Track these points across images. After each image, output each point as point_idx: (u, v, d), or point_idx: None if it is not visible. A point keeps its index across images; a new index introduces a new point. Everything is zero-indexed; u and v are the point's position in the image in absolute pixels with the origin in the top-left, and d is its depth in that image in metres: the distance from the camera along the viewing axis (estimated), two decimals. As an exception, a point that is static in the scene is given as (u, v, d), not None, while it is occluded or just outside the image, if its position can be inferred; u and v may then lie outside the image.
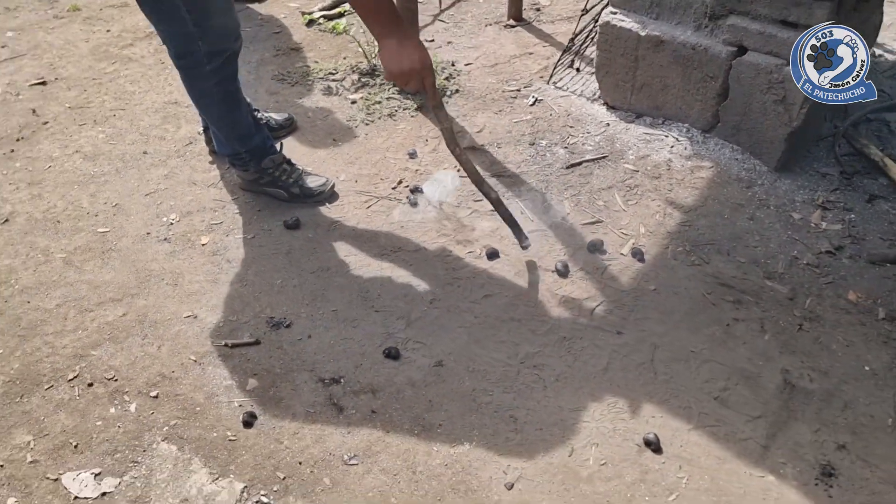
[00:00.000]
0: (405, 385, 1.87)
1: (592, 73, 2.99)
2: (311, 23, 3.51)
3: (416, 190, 2.49)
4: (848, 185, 2.45)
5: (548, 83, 3.01)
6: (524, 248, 2.16)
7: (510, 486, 1.66)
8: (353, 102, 2.96)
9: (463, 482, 1.67)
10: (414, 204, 2.44)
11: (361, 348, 1.96)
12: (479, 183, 2.13)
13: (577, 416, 1.79)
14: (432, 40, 3.37)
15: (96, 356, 1.95)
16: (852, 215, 2.33)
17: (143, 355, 1.95)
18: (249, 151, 2.34)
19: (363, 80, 3.08)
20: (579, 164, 2.58)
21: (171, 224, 2.37)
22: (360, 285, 2.14)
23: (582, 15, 3.00)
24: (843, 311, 2.04)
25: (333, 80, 3.10)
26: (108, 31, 3.49)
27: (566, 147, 2.66)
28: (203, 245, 2.29)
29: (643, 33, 2.58)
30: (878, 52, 3.02)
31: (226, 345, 1.97)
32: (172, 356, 1.95)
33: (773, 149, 2.45)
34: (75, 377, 1.90)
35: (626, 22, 2.62)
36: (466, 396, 1.84)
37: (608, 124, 2.74)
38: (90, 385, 1.88)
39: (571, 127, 2.76)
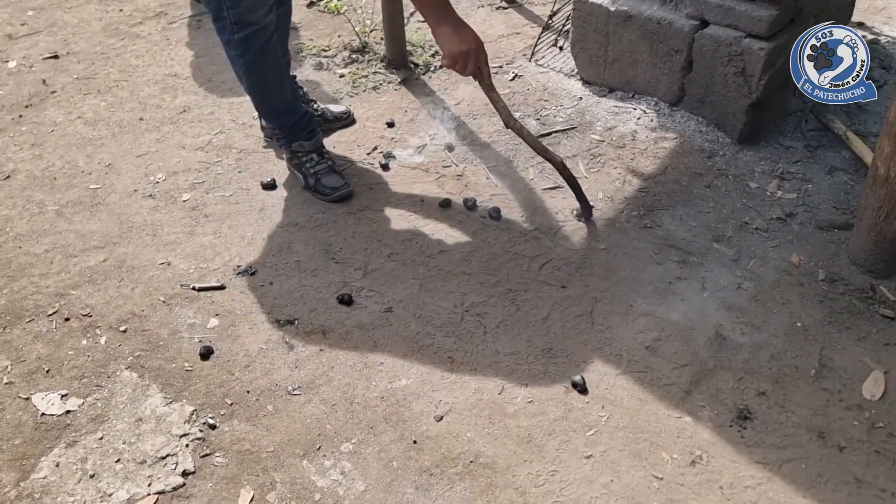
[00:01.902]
0: (354, 328, 2.00)
1: (573, 51, 3.08)
2: (311, 4, 3.66)
3: (388, 155, 2.61)
4: (811, 157, 2.50)
5: (529, 60, 3.11)
6: (587, 219, 2.27)
7: (439, 419, 1.77)
8: (342, 76, 3.09)
9: (396, 413, 1.78)
10: (385, 167, 2.56)
11: (318, 294, 2.09)
12: (543, 151, 2.24)
13: (511, 360, 1.90)
14: (424, 21, 3.49)
15: (75, 295, 2.11)
16: (809, 185, 2.39)
17: (117, 296, 2.11)
18: (282, 129, 2.43)
19: (353, 56, 3.21)
20: (548, 134, 2.68)
21: (157, 182, 2.53)
22: (324, 240, 2.27)
23: (560, -7, 3.09)
24: (784, 273, 2.10)
25: (325, 56, 3.23)
26: (120, 10, 3.68)
27: (538, 119, 2.76)
28: (184, 201, 2.45)
29: (612, 8, 2.66)
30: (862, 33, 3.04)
31: (193, 288, 2.12)
32: (144, 297, 2.10)
33: (736, 121, 2.52)
34: (54, 313, 2.06)
35: (598, -2, 2.70)
36: (410, 339, 1.96)
37: (581, 98, 2.83)
38: (66, 320, 2.04)
39: (546, 101, 2.85)
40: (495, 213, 2.32)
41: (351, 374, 1.88)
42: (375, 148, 2.66)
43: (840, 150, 2.52)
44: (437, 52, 3.19)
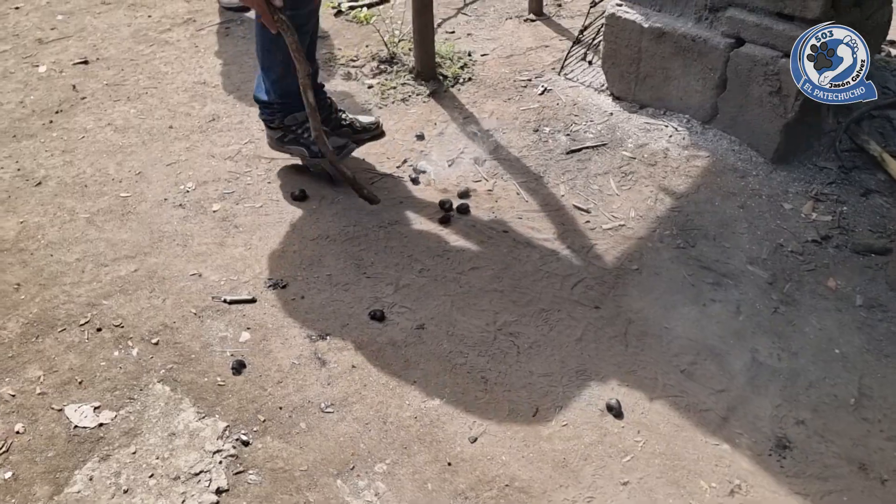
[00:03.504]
0: (387, 345, 1.98)
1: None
2: (338, 13, 3.66)
3: (418, 169, 2.60)
4: (845, 179, 2.47)
5: (559, 74, 3.10)
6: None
7: (473, 440, 1.76)
8: (370, 87, 3.09)
9: (429, 433, 1.77)
10: (415, 181, 2.55)
11: (350, 310, 2.08)
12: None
13: (545, 381, 1.88)
14: (453, 32, 3.49)
15: (107, 305, 2.11)
16: (845, 208, 2.36)
17: (148, 307, 2.11)
18: (280, 103, 2.42)
19: (381, 66, 3.21)
20: (579, 150, 2.66)
21: (188, 192, 2.53)
22: (355, 254, 2.26)
23: (591, 8, 3.07)
24: (820, 297, 2.08)
25: (354, 66, 3.23)
26: (149, 16, 3.70)
27: (568, 134, 2.74)
28: (214, 212, 2.45)
29: (646, 25, 2.65)
30: (891, 50, 3.02)
31: (225, 301, 2.11)
32: (175, 309, 2.10)
33: (770, 140, 2.50)
34: (86, 322, 2.06)
35: (631, 13, 2.69)
36: (443, 357, 1.95)
37: (611, 114, 2.82)
38: (98, 330, 2.04)
39: (576, 116, 2.84)
40: (464, 209, 2.41)
41: (384, 392, 1.87)
42: (405, 161, 2.65)
43: (875, 171, 2.49)
44: (465, 65, 3.19)
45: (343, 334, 2.01)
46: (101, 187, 2.57)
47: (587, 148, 2.66)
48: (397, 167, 2.63)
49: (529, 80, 3.09)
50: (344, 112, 2.72)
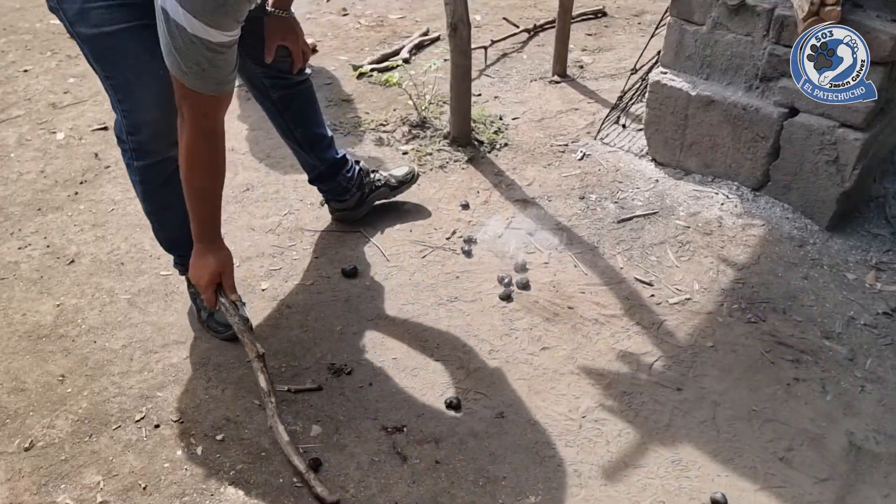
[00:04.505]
0: (468, 436, 1.88)
1: (639, 130, 3.06)
2: (361, 75, 3.61)
3: (469, 240, 2.53)
4: (900, 246, 2.46)
5: (595, 139, 3.07)
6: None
7: (577, 542, 1.65)
8: (405, 154, 3.02)
9: (530, 536, 1.67)
10: (468, 254, 2.48)
11: (423, 397, 1.98)
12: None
13: (641, 474, 1.79)
14: (479, 94, 3.46)
15: (162, 397, 1.98)
16: (906, 277, 2.34)
17: (207, 398, 1.98)
18: (180, 257, 2.16)
19: (413, 131, 3.15)
20: (630, 219, 2.62)
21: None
22: (418, 334, 2.17)
23: (631, 74, 3.07)
24: (903, 374, 2.04)
25: (384, 132, 3.17)
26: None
27: (616, 202, 2.70)
28: (263, 290, 2.34)
29: (693, 93, 2.64)
30: None
31: (289, 390, 1.99)
32: (236, 399, 1.98)
33: (825, 208, 2.48)
34: (142, 418, 1.92)
35: (677, 82, 2.68)
36: (529, 450, 1.85)
37: (657, 180, 2.79)
38: (157, 426, 1.90)
39: (620, 182, 2.80)
40: (524, 284, 2.32)
41: (473, 490, 1.76)
42: (454, 232, 2.58)
43: (928, 238, 2.48)
44: (499, 129, 3.15)
45: (420, 425, 1.91)
46: (139, 265, 2.44)
47: (638, 216, 2.62)
48: (447, 238, 2.55)
49: (566, 144, 3.05)
50: (376, 171, 2.65)
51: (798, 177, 2.51)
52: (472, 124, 3.08)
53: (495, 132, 3.13)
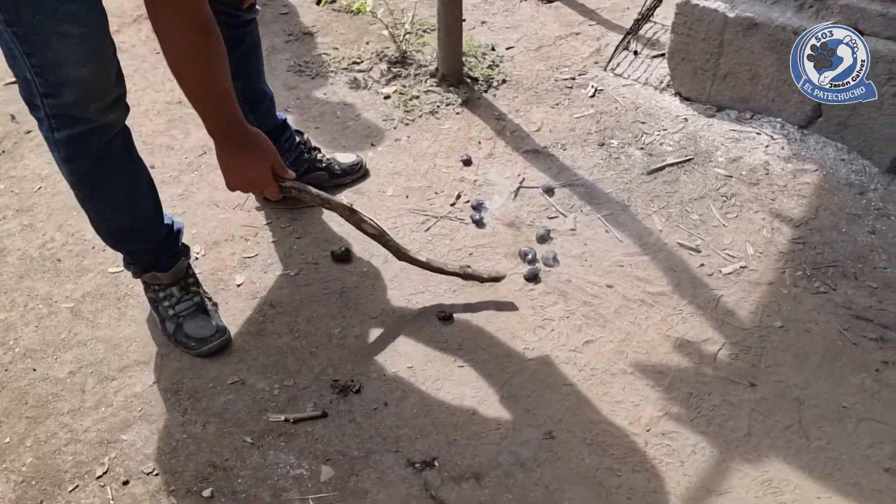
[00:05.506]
0: (513, 466, 1.55)
1: (654, 58, 2.65)
2: (321, 1, 3.08)
3: (479, 206, 2.13)
4: (968, 186, 2.15)
5: (605, 69, 2.65)
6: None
7: None
8: (387, 97, 2.57)
9: None
10: (479, 224, 2.09)
11: (451, 418, 1.63)
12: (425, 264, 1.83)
13: (728, 501, 1.49)
14: (464, 20, 2.96)
15: (128, 441, 1.59)
16: (982, 224, 2.04)
17: (185, 438, 1.60)
18: (131, 255, 1.75)
19: (394, 69, 2.69)
20: (661, 168, 2.25)
21: (197, 258, 1.99)
22: (434, 333, 1.80)
23: (651, -8, 2.63)
24: None
25: (359, 71, 2.70)
26: (87, 14, 3.02)
27: (642, 148, 2.32)
28: (238, 286, 1.92)
29: (731, 14, 2.23)
30: None
31: (286, 420, 1.62)
32: (222, 437, 1.60)
33: (888, 148, 2.14)
34: (105, 472, 1.54)
35: (711, 1, 2.26)
36: (590, 479, 1.52)
37: (686, 119, 2.40)
38: (125, 483, 1.52)
39: (643, 123, 2.41)
40: (551, 260, 1.97)
41: (531, 539, 1.44)
42: (459, 196, 2.17)
43: None
44: (494, 63, 2.70)
45: (454, 455, 1.56)
46: (80, 260, 1.99)
47: (671, 165, 2.25)
48: (451, 205, 2.15)
49: (573, 78, 2.63)
50: (319, 150, 2.20)
51: (857, 112, 2.15)
52: (463, 58, 2.62)
53: (490, 66, 2.68)
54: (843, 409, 1.64)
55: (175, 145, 2.37)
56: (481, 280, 1.87)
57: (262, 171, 1.55)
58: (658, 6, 2.69)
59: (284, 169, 1.59)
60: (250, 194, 1.97)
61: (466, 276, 1.85)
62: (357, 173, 2.23)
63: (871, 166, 2.19)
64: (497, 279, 1.89)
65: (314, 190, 1.64)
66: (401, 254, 1.79)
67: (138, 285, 1.88)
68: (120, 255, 1.80)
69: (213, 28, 1.38)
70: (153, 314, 1.81)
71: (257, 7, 1.88)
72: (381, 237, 1.75)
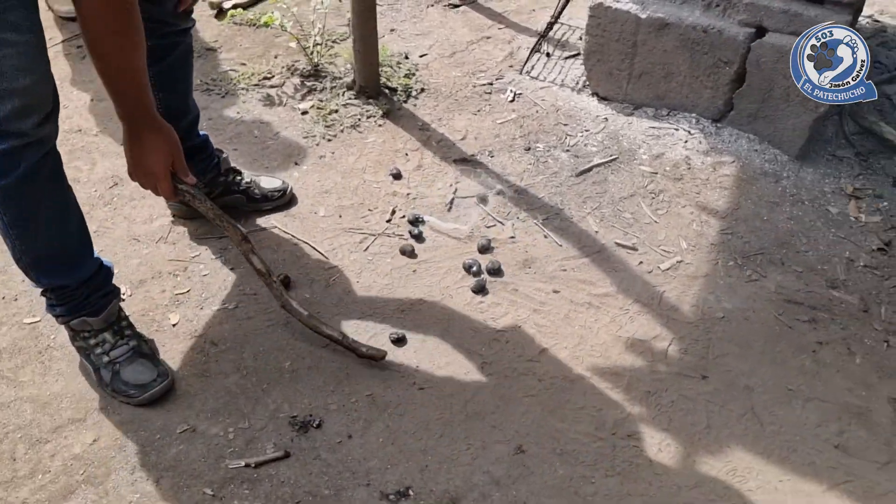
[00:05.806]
0: (489, 485, 1.53)
1: (567, 59, 2.70)
2: (220, 13, 2.96)
3: (416, 220, 2.10)
4: (867, 168, 2.31)
5: (521, 73, 2.67)
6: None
7: None
8: (304, 113, 2.49)
9: None
10: (419, 238, 2.06)
11: (419, 443, 1.59)
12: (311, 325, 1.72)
13: (699, 496, 1.53)
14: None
15: (73, 510, 1.46)
16: (884, 203, 2.19)
17: (138, 498, 1.48)
18: (55, 294, 1.60)
19: (307, 83, 2.61)
20: (589, 170, 2.28)
21: (124, 299, 1.85)
22: (388, 356, 1.75)
23: (561, -4, 2.67)
24: (920, 318, 1.89)
25: (271, 87, 2.60)
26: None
27: (568, 150, 2.35)
28: (174, 326, 1.81)
29: (643, 15, 2.29)
30: (879, 19, 2.89)
31: (247, 465, 1.54)
32: (179, 492, 1.49)
33: (796, 136, 2.26)
34: (52, 548, 1.41)
35: (623, 3, 2.32)
36: (565, 489, 1.53)
37: (606, 119, 2.45)
38: (77, 557, 1.39)
39: (565, 125, 2.45)
40: (495, 270, 1.96)
41: (517, 560, 1.42)
42: (394, 211, 2.13)
43: (890, 154, 2.34)
44: (410, 72, 2.67)
45: (427, 481, 1.53)
46: (-10, 313, 1.82)
47: (598, 166, 2.29)
48: (387, 221, 2.11)
49: (490, 83, 2.64)
50: (241, 173, 2.10)
51: (766, 104, 2.26)
52: (379, 69, 2.57)
53: (406, 76, 2.64)
54: (789, 392, 1.72)
55: (81, 178, 2.21)
56: (359, 354, 1.69)
57: (160, 164, 1.47)
58: (566, 6, 2.73)
59: (185, 170, 1.52)
60: (170, 230, 1.85)
61: (346, 345, 1.70)
62: (279, 200, 2.12)
63: (782, 154, 2.31)
64: (375, 357, 1.69)
65: (210, 202, 1.57)
66: (282, 302, 1.70)
67: (61, 334, 1.74)
68: (37, 302, 1.65)
69: (136, 6, 1.32)
70: (84, 364, 1.67)
71: (193, 17, 1.78)
72: (266, 276, 1.66)
